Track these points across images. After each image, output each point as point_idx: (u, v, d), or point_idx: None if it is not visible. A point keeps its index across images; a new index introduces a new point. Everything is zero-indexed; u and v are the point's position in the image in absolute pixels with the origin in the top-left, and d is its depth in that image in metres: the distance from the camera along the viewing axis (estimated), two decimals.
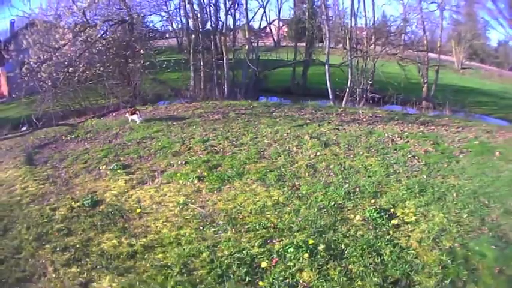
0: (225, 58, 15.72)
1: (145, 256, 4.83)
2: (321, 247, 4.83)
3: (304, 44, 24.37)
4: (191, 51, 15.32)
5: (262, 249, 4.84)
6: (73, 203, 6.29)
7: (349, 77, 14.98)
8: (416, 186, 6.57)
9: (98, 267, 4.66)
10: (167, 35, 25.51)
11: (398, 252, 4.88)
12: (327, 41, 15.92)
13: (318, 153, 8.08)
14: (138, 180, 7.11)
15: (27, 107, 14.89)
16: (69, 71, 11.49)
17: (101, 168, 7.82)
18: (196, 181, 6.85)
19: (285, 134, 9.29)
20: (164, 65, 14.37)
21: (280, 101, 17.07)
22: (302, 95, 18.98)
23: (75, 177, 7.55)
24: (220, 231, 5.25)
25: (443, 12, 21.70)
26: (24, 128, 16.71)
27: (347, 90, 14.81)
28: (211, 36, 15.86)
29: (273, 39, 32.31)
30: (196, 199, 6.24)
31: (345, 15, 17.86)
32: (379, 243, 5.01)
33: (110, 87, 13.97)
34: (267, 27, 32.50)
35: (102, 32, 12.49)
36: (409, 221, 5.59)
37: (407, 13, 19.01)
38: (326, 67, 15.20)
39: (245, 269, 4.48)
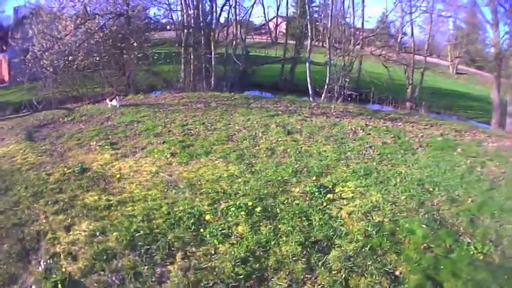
0: (213, 53, 17.06)
1: (118, 208, 6.18)
2: (258, 209, 6.00)
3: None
4: (183, 45, 16.64)
5: (210, 208, 6.13)
6: (65, 170, 7.65)
7: (328, 74, 16.22)
8: (362, 171, 7.53)
9: (80, 215, 6.00)
10: (168, 27, 26.58)
11: (326, 219, 5.85)
12: (309, 39, 17.13)
13: (280, 139, 9.39)
14: (122, 154, 8.50)
15: (28, 92, 16.21)
16: (69, 59, 12.84)
17: (91, 144, 9.20)
18: (169, 156, 8.23)
19: (255, 122, 10.63)
20: (156, 57, 15.61)
21: (262, 94, 18.27)
22: (289, 90, 20.19)
23: (69, 151, 8.94)
24: (179, 193, 6.61)
25: (431, 16, 22.74)
26: (24, 111, 18.29)
27: (326, 87, 16.04)
28: (202, 32, 17.14)
29: (271, 36, 33.42)
30: (167, 169, 7.62)
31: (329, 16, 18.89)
32: (311, 211, 6.04)
33: (106, 76, 15.34)
34: (266, 25, 33.64)
35: (101, 24, 13.82)
36: (345, 197, 6.57)
37: (386, 16, 20.16)
38: (307, 64, 16.45)
39: (193, 221, 5.74)
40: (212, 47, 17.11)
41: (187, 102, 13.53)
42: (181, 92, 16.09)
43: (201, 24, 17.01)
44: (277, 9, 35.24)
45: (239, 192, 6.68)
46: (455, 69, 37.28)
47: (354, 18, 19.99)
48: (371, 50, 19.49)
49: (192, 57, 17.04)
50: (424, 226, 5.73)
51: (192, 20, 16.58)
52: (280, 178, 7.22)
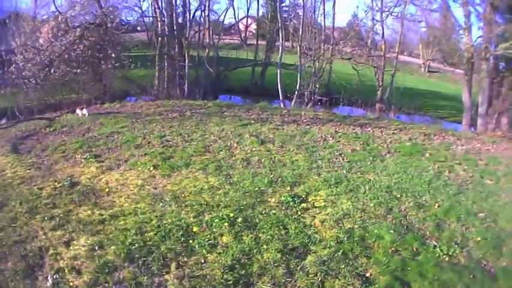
0: (186, 60, 17.71)
1: (111, 222, 6.84)
2: (239, 220, 6.81)
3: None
4: (157, 52, 17.17)
5: (196, 220, 6.91)
6: (56, 184, 8.18)
7: (298, 80, 17.25)
8: (333, 179, 8.34)
9: (77, 230, 6.62)
10: (138, 28, 26.79)
11: (301, 227, 6.61)
12: (280, 45, 18.07)
13: (254, 149, 10.27)
14: (107, 167, 9.12)
15: (7, 99, 16.25)
16: (50, 70, 13.17)
17: (76, 157, 9.75)
18: (152, 169, 8.95)
19: (229, 132, 11.48)
20: (132, 64, 16.06)
21: (231, 99, 19.02)
22: (260, 94, 21.13)
23: (55, 164, 9.44)
24: (166, 206, 7.37)
25: (403, 21, 23.95)
26: (4, 121, 18.14)
27: (296, 92, 17.08)
28: (176, 39, 17.71)
29: (241, 37, 34.00)
30: (151, 182, 8.35)
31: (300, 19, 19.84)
32: (287, 220, 6.85)
33: (83, 83, 15.69)
34: (235, 25, 34.11)
35: (80, 35, 14.18)
36: (318, 206, 7.35)
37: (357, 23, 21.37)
38: (278, 70, 17.41)
39: (181, 232, 6.48)
40: (186, 55, 17.74)
41: (163, 111, 14.19)
42: (156, 99, 16.73)
43: (175, 32, 17.57)
44: (248, 10, 35.87)
45: (220, 203, 7.48)
46: (427, 68, 38.33)
47: (324, 22, 20.98)
48: (341, 53, 20.59)
49: (166, 64, 17.58)
50: (392, 231, 6.49)
51: (165, 27, 17.08)
52: (257, 189, 8.07)
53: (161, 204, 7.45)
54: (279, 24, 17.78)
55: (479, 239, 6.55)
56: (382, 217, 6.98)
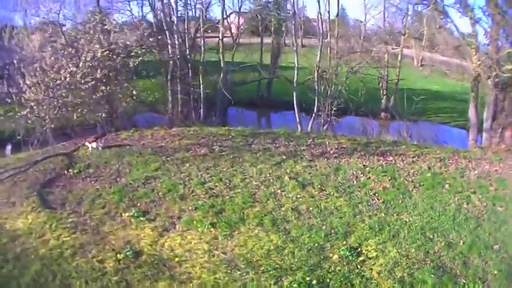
0: (201, 86, 18.00)
1: None
2: (314, 282, 7.58)
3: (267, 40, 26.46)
4: (169, 77, 17.27)
5: (277, 286, 7.52)
6: (117, 255, 8.34)
7: (316, 103, 17.95)
8: (376, 226, 9.38)
9: None
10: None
11: (364, 282, 7.64)
12: (296, 62, 18.57)
13: (298, 196, 10.87)
14: (161, 227, 9.42)
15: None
16: (63, 106, 13.14)
17: (123, 215, 9.94)
18: (210, 228, 9.34)
19: (268, 175, 12.02)
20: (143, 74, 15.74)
21: (242, 113, 19.18)
22: (267, 106, 21.76)
23: (102, 224, 9.56)
24: (244, 274, 7.88)
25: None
26: (9, 148, 17.75)
27: (313, 115, 17.84)
28: (189, 64, 17.85)
29: (232, 35, 33.88)
30: (217, 245, 8.77)
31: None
32: (352, 276, 7.80)
33: (89, 106, 15.53)
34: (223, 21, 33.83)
35: (91, 65, 14.10)
36: (371, 257, 8.33)
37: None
38: (294, 93, 18.01)
39: None
40: (200, 79, 17.98)
41: (189, 145, 14.46)
42: (172, 124, 16.94)
43: (189, 56, 17.71)
44: (240, 8, 35.30)
45: (292, 266, 8.09)
46: (419, 61, 37.96)
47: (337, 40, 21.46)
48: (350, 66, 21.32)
49: (179, 88, 17.75)
50: (432, 275, 7.66)
51: (177, 50, 17.18)
52: (316, 244, 8.79)
53: (238, 272, 7.94)
54: (294, 41, 18.26)
55: (495, 272, 7.87)
56: (422, 261, 8.14)
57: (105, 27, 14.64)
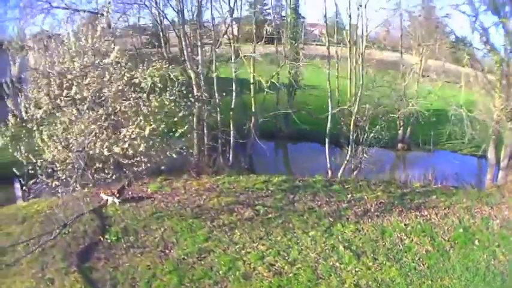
0: (232, 133, 18.25)
1: None
2: None
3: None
4: (195, 121, 17.29)
5: None
6: None
7: (348, 155, 18.81)
8: None
9: None
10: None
11: None
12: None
13: (357, 269, 11.86)
14: None
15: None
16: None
17: None
18: None
19: (323, 244, 12.92)
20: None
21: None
22: (287, 138, 22.28)
23: None
24: None
25: None
26: (18, 187, 16.57)
27: (345, 162, 18.80)
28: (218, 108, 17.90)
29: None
30: None
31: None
32: None
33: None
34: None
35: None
36: None
37: None
38: (326, 144, 18.72)
39: None
40: (231, 125, 18.20)
41: (229, 203, 15.02)
42: (200, 170, 17.27)
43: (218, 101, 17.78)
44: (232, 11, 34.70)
45: None
46: (421, 70, 34.36)
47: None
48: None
49: (206, 131, 17.85)
50: None
51: (202, 92, 17.21)
52: None
53: None
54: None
55: None
56: None
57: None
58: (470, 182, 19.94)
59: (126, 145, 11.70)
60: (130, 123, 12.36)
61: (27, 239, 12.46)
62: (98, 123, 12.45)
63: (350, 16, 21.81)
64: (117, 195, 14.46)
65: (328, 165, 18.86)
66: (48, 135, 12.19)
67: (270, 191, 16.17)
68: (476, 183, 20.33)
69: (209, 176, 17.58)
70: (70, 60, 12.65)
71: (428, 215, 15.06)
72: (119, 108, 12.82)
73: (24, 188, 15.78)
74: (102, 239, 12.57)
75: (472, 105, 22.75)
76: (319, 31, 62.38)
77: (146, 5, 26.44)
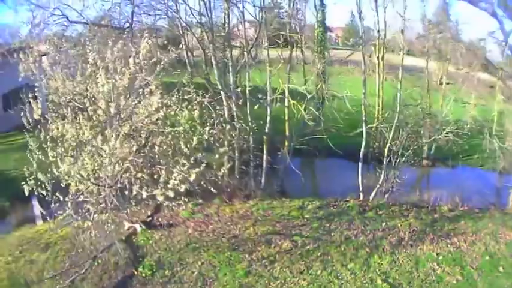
0: (264, 157, 18.75)
1: None
2: None
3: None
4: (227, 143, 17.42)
5: None
6: None
7: (382, 176, 19.54)
8: None
9: None
10: None
11: None
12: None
13: None
14: None
15: (14, 150, 15.07)
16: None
17: None
18: None
19: (362, 277, 13.81)
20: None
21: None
22: (313, 154, 22.85)
23: None
24: None
25: None
26: (36, 204, 16.66)
27: (377, 187, 19.63)
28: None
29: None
30: None
31: None
32: None
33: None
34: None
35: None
36: None
37: None
38: (359, 166, 19.51)
39: None
40: (265, 151, 18.70)
41: (265, 233, 15.57)
42: (231, 193, 17.67)
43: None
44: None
45: None
46: (440, 78, 34.54)
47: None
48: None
49: (237, 153, 18.28)
50: None
51: (237, 117, 17.65)
52: None
53: None
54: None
55: None
56: None
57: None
58: (493, 201, 20.84)
59: (170, 193, 11.18)
60: (169, 163, 12.04)
61: (53, 269, 12.52)
62: (131, 157, 12.09)
63: (379, 31, 22.35)
64: (146, 221, 14.68)
65: (361, 187, 19.67)
66: (76, 170, 11.62)
67: (305, 219, 16.87)
68: (499, 203, 21.12)
69: (241, 201, 18.03)
70: (93, 82, 12.36)
71: (458, 242, 15.90)
72: (154, 141, 12.69)
73: (42, 211, 16.21)
74: (135, 272, 12.73)
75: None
76: (335, 34, 62.57)
77: (168, 16, 27.30)
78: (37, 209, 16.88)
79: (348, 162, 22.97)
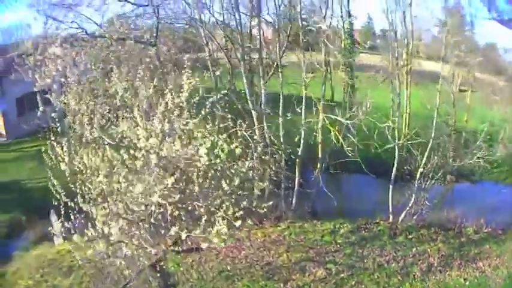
0: (296, 180, 19.37)
1: None
2: None
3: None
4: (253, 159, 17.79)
5: None
6: None
7: (413, 199, 20.20)
8: None
9: None
10: None
11: None
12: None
13: None
14: None
15: (28, 158, 15.21)
16: None
17: None
18: None
19: None
20: None
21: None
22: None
23: None
24: None
25: None
26: (55, 220, 14.58)
27: (407, 209, 20.44)
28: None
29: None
30: None
31: None
32: None
33: None
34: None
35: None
36: None
37: None
38: (390, 189, 20.16)
39: None
40: (297, 174, 19.36)
41: (299, 260, 16.08)
42: (261, 215, 18.06)
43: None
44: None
45: None
46: (457, 84, 33.50)
47: None
48: None
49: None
50: None
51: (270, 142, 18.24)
52: None
53: None
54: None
55: None
56: None
57: None
58: None
59: (215, 239, 10.33)
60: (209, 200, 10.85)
61: None
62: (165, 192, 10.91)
63: (407, 45, 22.67)
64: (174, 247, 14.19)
65: (390, 209, 20.50)
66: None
67: (338, 245, 17.76)
68: None
69: (272, 223, 18.46)
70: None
71: (483, 266, 16.77)
72: (190, 175, 11.36)
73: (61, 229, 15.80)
74: None
75: None
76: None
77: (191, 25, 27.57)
78: (56, 226, 15.42)
79: (372, 178, 23.41)
